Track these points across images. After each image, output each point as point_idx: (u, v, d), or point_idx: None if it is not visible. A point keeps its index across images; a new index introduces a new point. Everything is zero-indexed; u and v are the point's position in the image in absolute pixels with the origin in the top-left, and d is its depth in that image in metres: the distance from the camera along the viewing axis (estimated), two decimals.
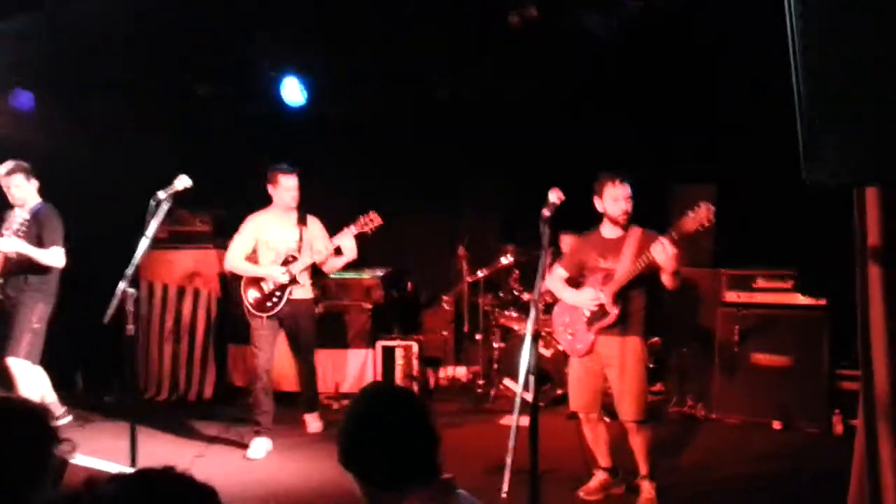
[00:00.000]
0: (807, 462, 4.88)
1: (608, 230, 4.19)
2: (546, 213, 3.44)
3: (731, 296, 5.93)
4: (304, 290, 5.29)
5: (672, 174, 6.56)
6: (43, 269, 5.03)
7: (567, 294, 4.29)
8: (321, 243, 5.20)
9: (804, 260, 5.79)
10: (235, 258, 5.24)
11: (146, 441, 4.03)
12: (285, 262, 5.17)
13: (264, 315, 5.14)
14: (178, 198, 4.08)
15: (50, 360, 5.24)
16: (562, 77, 6.42)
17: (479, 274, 6.57)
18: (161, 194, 3.95)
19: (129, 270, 3.82)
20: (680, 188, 6.45)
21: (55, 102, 6.23)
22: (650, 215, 6.46)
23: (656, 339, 6.54)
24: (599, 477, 4.32)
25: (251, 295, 5.19)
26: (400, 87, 6.70)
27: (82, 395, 6.51)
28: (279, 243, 5.21)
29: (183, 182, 4.05)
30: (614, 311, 4.04)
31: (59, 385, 6.26)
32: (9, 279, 5.03)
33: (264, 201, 5.32)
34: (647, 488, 4.15)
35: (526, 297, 6.49)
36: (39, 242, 4.99)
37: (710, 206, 3.71)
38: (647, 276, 3.99)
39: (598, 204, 4.15)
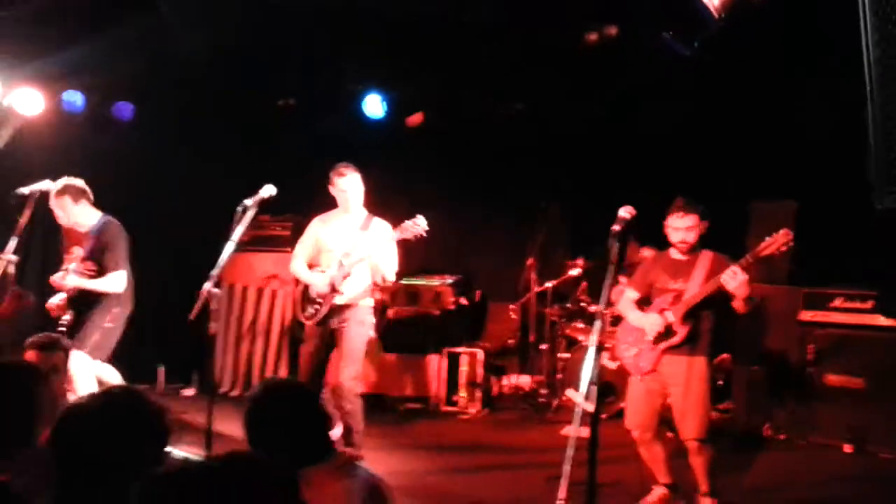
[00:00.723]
0: (879, 488, 4.74)
1: (676, 252, 4.21)
2: (616, 228, 3.49)
3: (807, 315, 5.81)
4: (355, 296, 4.84)
5: (752, 191, 6.47)
6: (102, 296, 4.86)
7: (632, 315, 4.30)
8: (383, 251, 4.79)
9: (887, 281, 5.62)
10: (295, 262, 5.03)
11: (222, 434, 4.26)
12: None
13: (308, 321, 4.93)
14: (261, 205, 4.32)
15: (132, 356, 5.47)
16: (639, 93, 6.43)
17: (548, 284, 6.63)
18: (248, 202, 4.18)
19: (215, 272, 4.06)
20: (760, 205, 6.36)
21: (153, 115, 6.65)
22: (729, 233, 6.44)
23: (726, 355, 6.45)
24: (658, 492, 4.28)
25: (304, 300, 4.99)
26: (475, 100, 6.84)
27: (162, 389, 6.89)
28: (335, 248, 4.91)
29: (268, 190, 4.27)
30: (682, 331, 4.03)
31: (140, 379, 6.67)
32: (76, 306, 4.89)
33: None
34: None
35: (593, 308, 6.51)
36: (100, 264, 4.86)
37: (789, 231, 3.74)
38: (718, 298, 3.99)
39: (666, 227, 4.23)
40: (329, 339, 4.83)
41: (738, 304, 3.94)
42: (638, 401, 4.23)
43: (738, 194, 6.46)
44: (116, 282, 4.87)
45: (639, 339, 4.21)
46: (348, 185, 4.85)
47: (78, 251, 4.92)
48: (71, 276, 4.83)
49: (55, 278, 4.90)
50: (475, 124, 7.23)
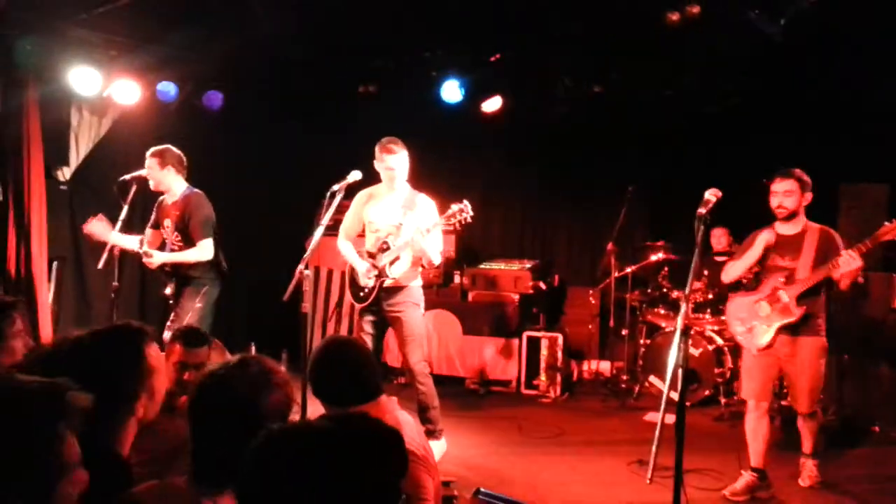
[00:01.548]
0: None
1: (782, 226, 4.24)
2: (702, 211, 3.41)
3: None
4: (403, 278, 4.74)
5: (843, 173, 6.25)
6: (197, 264, 4.98)
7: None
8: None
9: None
10: (341, 239, 4.91)
11: (313, 410, 4.42)
12: (380, 251, 4.74)
13: (358, 305, 4.89)
14: (348, 190, 4.45)
15: (225, 333, 5.74)
16: (724, 74, 6.27)
17: (628, 270, 6.58)
18: (335, 187, 4.32)
19: (307, 255, 4.22)
20: (851, 187, 6.14)
21: (241, 104, 6.90)
22: (819, 215, 6.24)
23: None
24: (746, 478, 4.28)
25: (351, 279, 4.93)
26: (554, 84, 6.80)
27: None
28: (382, 226, 4.78)
29: (354, 176, 4.40)
30: (798, 312, 4.11)
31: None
32: (171, 277, 5.04)
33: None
34: (809, 466, 4.35)
35: (675, 294, 6.42)
36: (185, 235, 4.97)
37: None
38: (829, 278, 4.11)
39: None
40: (382, 323, 4.84)
41: (843, 284, 4.05)
42: (752, 371, 4.31)
43: (827, 176, 6.24)
44: (202, 251, 4.91)
45: (752, 315, 4.28)
46: (397, 162, 4.69)
47: (168, 223, 5.10)
48: (156, 255, 4.98)
49: (145, 258, 5.01)
50: (552, 108, 7.19)
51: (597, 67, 6.63)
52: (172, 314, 5.05)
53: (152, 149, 5.08)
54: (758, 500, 4.22)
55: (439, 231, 4.66)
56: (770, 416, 4.41)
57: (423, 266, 4.79)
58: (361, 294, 4.81)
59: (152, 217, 5.29)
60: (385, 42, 6.11)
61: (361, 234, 4.98)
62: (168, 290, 5.11)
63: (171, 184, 5.09)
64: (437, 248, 4.67)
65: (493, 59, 6.44)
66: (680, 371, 2.91)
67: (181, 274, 5.05)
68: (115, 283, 5.15)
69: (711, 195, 3.56)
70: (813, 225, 4.22)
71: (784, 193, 4.14)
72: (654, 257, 6.56)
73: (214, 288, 5.12)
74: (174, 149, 5.10)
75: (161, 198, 5.23)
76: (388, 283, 4.70)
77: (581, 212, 7.78)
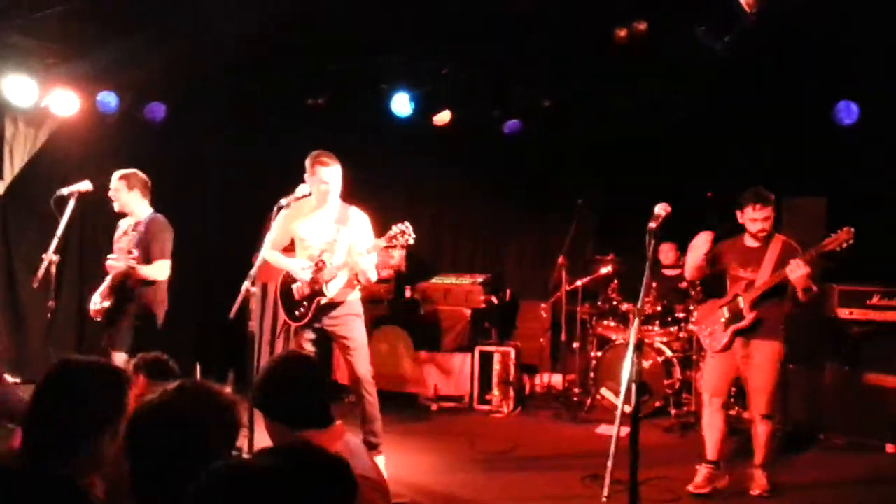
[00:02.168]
0: None
1: (750, 240, 4.44)
2: (652, 225, 3.46)
3: (844, 312, 5.74)
4: (340, 294, 4.56)
5: (783, 186, 6.40)
6: (147, 281, 4.94)
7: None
8: (363, 245, 4.45)
9: None
10: (268, 251, 4.50)
11: (260, 431, 4.29)
12: (317, 270, 4.53)
13: (293, 324, 4.67)
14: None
15: (169, 353, 5.57)
16: (669, 89, 6.38)
17: (578, 283, 6.61)
18: (283, 201, 4.23)
19: (253, 271, 4.10)
20: (791, 200, 6.30)
21: (184, 115, 6.72)
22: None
23: None
24: (703, 471, 4.45)
25: (284, 297, 4.73)
26: (503, 98, 6.83)
27: None
28: (313, 242, 4.58)
29: (303, 190, 4.32)
30: (750, 316, 4.32)
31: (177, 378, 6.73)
32: (115, 294, 4.97)
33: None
34: (759, 476, 4.39)
35: (625, 307, 6.48)
36: (146, 254, 4.93)
37: (851, 229, 4.05)
38: (784, 287, 4.29)
39: (739, 217, 4.42)
40: (322, 340, 4.69)
41: (798, 294, 4.22)
42: (714, 369, 4.55)
43: (770, 190, 6.39)
44: (161, 269, 4.96)
45: (714, 320, 4.52)
46: (331, 176, 4.46)
47: (125, 241, 5.05)
48: (121, 261, 4.91)
49: (111, 261, 4.99)
50: (503, 121, 7.21)
51: (548, 81, 6.68)
52: (108, 333, 4.96)
53: (119, 172, 5.07)
54: (719, 491, 4.41)
55: (375, 251, 4.51)
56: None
57: (358, 281, 4.63)
58: (297, 313, 4.63)
59: (116, 235, 5.19)
60: (334, 48, 6.02)
61: (288, 249, 4.79)
62: (106, 304, 4.96)
63: (136, 207, 5.07)
64: (373, 265, 4.54)
65: (443, 71, 6.43)
66: (633, 386, 2.90)
67: (125, 293, 4.92)
68: (51, 303, 4.94)
69: (661, 209, 3.61)
70: (778, 237, 4.42)
71: (764, 220, 4.34)
72: (603, 270, 6.62)
73: (156, 309, 5.00)
74: (140, 173, 5.09)
75: (123, 220, 5.17)
76: (324, 301, 4.53)
77: (532, 225, 7.81)
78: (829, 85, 5.90)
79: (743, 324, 4.36)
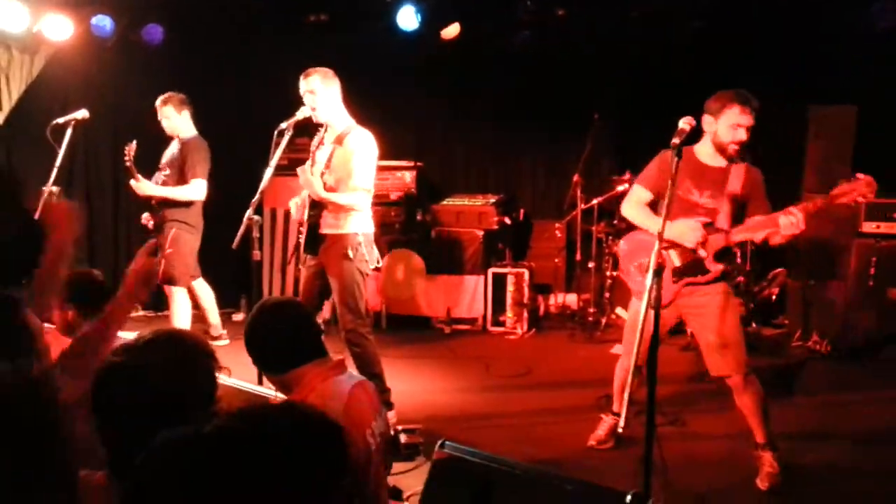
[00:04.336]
0: None
1: (708, 156, 3.49)
2: (676, 141, 3.19)
3: (869, 226, 5.57)
4: (331, 226, 4.18)
5: (810, 94, 6.12)
6: (183, 203, 5.24)
7: (653, 223, 3.43)
8: (343, 172, 4.11)
9: None
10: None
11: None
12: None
13: (297, 254, 4.40)
14: (298, 126, 4.19)
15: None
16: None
17: (594, 201, 6.44)
18: (283, 125, 4.06)
19: (255, 198, 3.99)
20: (819, 108, 6.02)
21: (183, 37, 6.47)
22: (785, 138, 6.14)
23: (781, 269, 6.26)
24: (608, 422, 3.98)
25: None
26: (514, 11, 6.49)
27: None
28: (317, 165, 4.25)
29: (303, 112, 4.14)
30: (715, 270, 3.43)
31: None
32: (159, 210, 5.30)
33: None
34: (768, 461, 3.51)
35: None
36: (181, 174, 5.21)
37: (872, 181, 3.11)
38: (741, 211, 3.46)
39: (708, 123, 3.46)
40: (319, 270, 4.24)
41: (774, 242, 3.34)
42: (637, 323, 3.20)
43: (796, 98, 6.13)
44: (195, 189, 5.18)
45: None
46: (307, 87, 4.14)
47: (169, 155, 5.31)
48: (145, 184, 5.16)
49: (133, 184, 5.20)
50: (514, 34, 6.87)
51: None
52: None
53: (161, 98, 5.27)
54: (623, 440, 3.85)
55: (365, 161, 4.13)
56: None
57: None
58: (299, 240, 4.33)
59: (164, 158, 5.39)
60: None
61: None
62: (151, 223, 5.29)
63: (187, 127, 5.33)
64: (345, 201, 4.12)
65: None
66: (652, 313, 2.77)
67: (167, 208, 5.22)
68: None
69: (686, 123, 3.26)
70: (740, 161, 3.51)
71: (748, 129, 3.41)
72: (620, 188, 6.41)
73: (188, 234, 5.24)
74: (178, 93, 5.31)
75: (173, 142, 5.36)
76: (324, 227, 4.19)
77: (546, 142, 7.56)
78: None
79: (704, 278, 3.44)
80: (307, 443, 0.99)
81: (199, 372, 1.54)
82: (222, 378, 1.68)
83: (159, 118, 5.30)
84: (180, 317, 5.45)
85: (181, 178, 5.23)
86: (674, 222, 3.33)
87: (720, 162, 3.50)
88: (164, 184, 5.27)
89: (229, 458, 0.94)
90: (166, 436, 0.99)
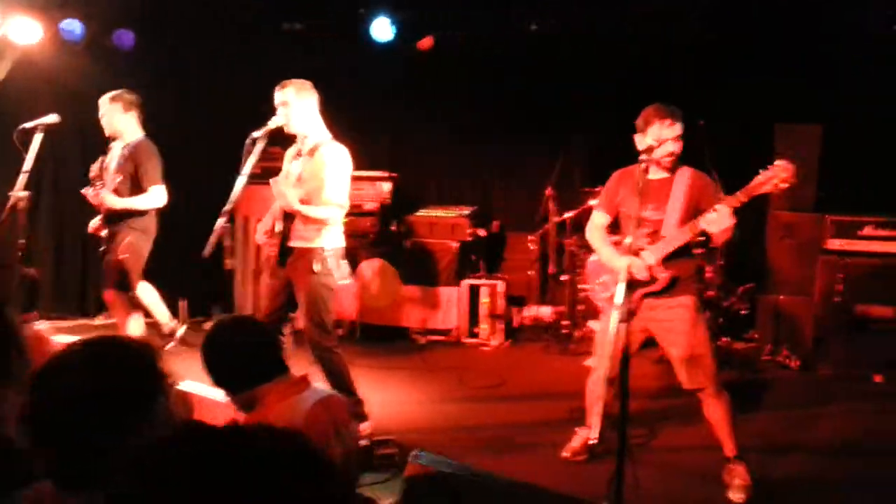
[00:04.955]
0: None
1: (651, 170, 3.54)
2: (644, 157, 3.25)
3: (835, 243, 5.65)
4: (301, 239, 4.11)
5: (775, 113, 6.22)
6: (140, 211, 5.09)
7: (605, 252, 3.70)
8: (314, 184, 4.08)
9: None
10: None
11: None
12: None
13: (269, 265, 4.38)
14: (272, 136, 4.16)
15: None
16: (656, 15, 6.11)
17: (567, 215, 6.47)
18: (256, 133, 4.03)
19: (227, 207, 3.95)
20: (784, 128, 6.13)
21: (154, 43, 6.40)
22: (752, 157, 6.22)
23: (750, 284, 6.33)
24: (582, 435, 3.96)
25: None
26: (487, 21, 6.53)
27: (185, 321, 6.85)
28: (290, 177, 4.21)
29: (276, 121, 4.12)
30: (663, 276, 3.49)
31: None
32: (110, 219, 5.13)
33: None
34: (740, 474, 3.55)
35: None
36: (135, 181, 5.02)
37: (790, 164, 3.25)
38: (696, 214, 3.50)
39: (640, 141, 3.54)
40: (287, 282, 4.20)
41: (717, 240, 3.60)
42: (606, 338, 3.34)
43: (762, 116, 6.24)
44: (156, 197, 5.06)
45: (614, 279, 3.43)
46: (280, 99, 4.11)
47: (115, 159, 5.11)
48: (107, 195, 4.98)
49: (87, 194, 5.05)
50: (489, 49, 6.92)
51: (532, 5, 6.39)
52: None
53: (108, 95, 5.05)
54: (597, 455, 3.83)
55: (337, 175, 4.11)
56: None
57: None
58: (270, 250, 4.32)
59: (107, 160, 5.20)
60: None
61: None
62: (104, 233, 5.13)
63: (129, 129, 5.10)
64: (316, 214, 4.09)
65: None
66: (622, 327, 2.79)
67: (121, 217, 5.06)
68: (22, 241, 4.79)
69: (653, 140, 3.41)
70: (685, 167, 3.59)
71: (675, 140, 3.48)
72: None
73: (141, 241, 5.15)
74: (130, 93, 5.11)
75: (115, 143, 5.17)
76: (294, 240, 4.15)
77: (520, 155, 7.59)
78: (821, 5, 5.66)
79: (655, 287, 3.49)
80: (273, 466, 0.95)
81: (129, 371, 1.47)
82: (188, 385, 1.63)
83: (100, 114, 5.04)
84: (157, 309, 5.53)
85: (134, 184, 5.04)
86: (625, 256, 3.41)
87: (662, 174, 3.58)
88: (117, 191, 5.05)
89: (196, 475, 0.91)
90: (146, 446, 0.96)
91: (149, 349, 1.53)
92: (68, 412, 1.39)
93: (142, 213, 5.12)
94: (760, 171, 3.31)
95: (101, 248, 5.22)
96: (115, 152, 5.13)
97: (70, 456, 1.37)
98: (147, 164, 5.02)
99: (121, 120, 5.06)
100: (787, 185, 3.28)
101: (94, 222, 5.20)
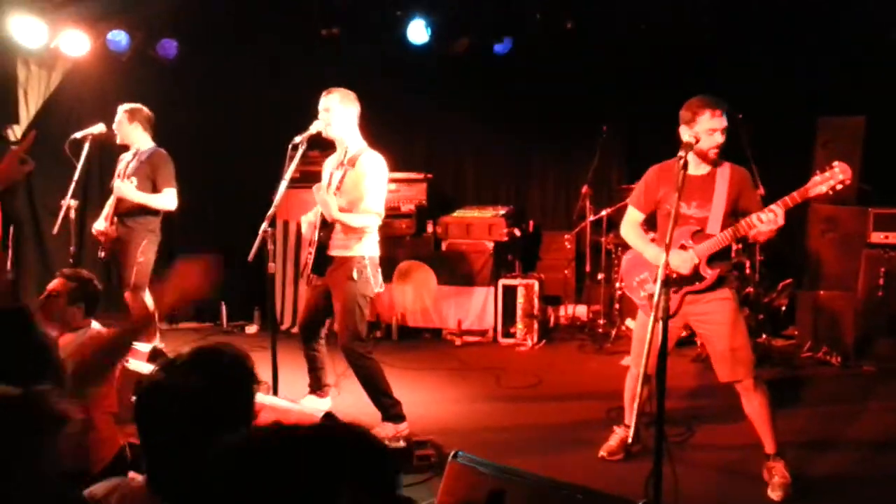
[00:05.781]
0: None
1: (692, 165, 3.45)
2: (682, 153, 3.23)
3: (878, 236, 5.58)
4: (339, 247, 4.18)
5: (818, 105, 6.15)
6: (151, 211, 5.21)
7: (649, 251, 3.60)
8: (354, 194, 4.11)
9: None
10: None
11: (284, 369, 4.32)
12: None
13: (305, 273, 4.41)
14: (311, 140, 4.25)
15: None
16: (698, 6, 6.07)
17: (603, 212, 6.48)
18: (297, 138, 4.12)
19: (270, 211, 4.05)
20: (826, 120, 6.05)
21: (197, 51, 6.57)
22: (796, 148, 6.17)
23: (790, 280, 6.28)
24: (620, 434, 3.99)
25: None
26: (523, 23, 6.56)
27: (226, 326, 7.02)
28: (325, 187, 4.22)
29: (317, 126, 4.19)
30: (711, 275, 3.45)
31: (204, 316, 6.82)
32: (121, 218, 5.21)
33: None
34: (780, 471, 3.50)
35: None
36: (153, 185, 5.16)
37: (848, 167, 3.22)
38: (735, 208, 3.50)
39: (685, 133, 3.45)
40: (325, 290, 4.27)
41: (759, 239, 3.56)
42: (644, 334, 3.24)
43: (805, 109, 6.17)
44: (169, 199, 5.18)
45: (655, 276, 3.25)
46: (324, 105, 4.16)
47: (127, 170, 5.22)
48: (126, 184, 5.10)
49: (116, 185, 5.15)
50: (522, 48, 6.95)
51: (568, 2, 6.40)
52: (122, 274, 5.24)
53: (124, 105, 5.25)
54: (633, 455, 3.89)
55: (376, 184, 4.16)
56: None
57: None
58: (306, 257, 4.37)
59: (117, 168, 5.33)
60: None
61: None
62: (112, 234, 5.20)
63: (137, 139, 5.27)
64: (356, 222, 4.13)
65: None
66: (660, 325, 2.81)
67: (132, 216, 5.16)
68: (72, 248, 4.97)
69: (691, 136, 3.41)
70: (726, 163, 3.53)
71: (723, 131, 3.41)
72: (629, 199, 6.46)
73: (152, 243, 5.26)
74: (145, 109, 5.29)
75: (125, 153, 5.35)
76: (327, 250, 4.22)
77: (555, 154, 7.62)
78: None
79: (700, 285, 3.46)
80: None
81: (238, 391, 1.58)
82: (260, 396, 1.72)
83: (115, 121, 5.24)
84: None
85: (150, 187, 5.18)
86: (675, 251, 3.37)
87: (704, 169, 3.53)
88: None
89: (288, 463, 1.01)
90: (224, 447, 1.06)
91: (248, 366, 1.64)
92: (169, 428, 1.51)
93: (155, 214, 5.23)
94: (817, 171, 3.27)
95: (104, 251, 5.30)
96: (131, 158, 5.28)
97: (165, 462, 1.48)
98: (163, 169, 5.18)
99: (128, 130, 5.23)
100: (842, 187, 3.25)
101: (101, 223, 5.27)
